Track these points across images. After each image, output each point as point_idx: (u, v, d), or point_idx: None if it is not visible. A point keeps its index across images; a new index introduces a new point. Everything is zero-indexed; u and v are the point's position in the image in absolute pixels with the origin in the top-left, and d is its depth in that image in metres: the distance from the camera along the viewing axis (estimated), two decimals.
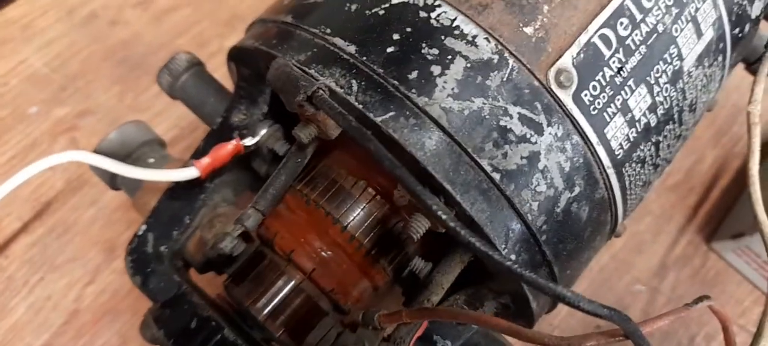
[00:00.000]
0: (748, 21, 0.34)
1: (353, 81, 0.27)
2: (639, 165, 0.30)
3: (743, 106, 0.55)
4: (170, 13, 0.57)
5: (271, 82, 0.28)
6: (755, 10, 0.34)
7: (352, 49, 0.28)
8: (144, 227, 0.33)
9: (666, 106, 0.30)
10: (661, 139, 0.31)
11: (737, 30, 0.33)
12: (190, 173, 0.31)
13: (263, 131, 0.32)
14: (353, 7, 0.29)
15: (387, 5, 0.28)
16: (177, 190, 0.33)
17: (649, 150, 0.30)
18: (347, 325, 0.32)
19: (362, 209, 0.31)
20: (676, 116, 0.31)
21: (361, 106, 0.26)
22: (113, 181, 0.35)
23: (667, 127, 0.31)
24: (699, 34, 0.31)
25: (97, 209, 0.48)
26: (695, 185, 0.52)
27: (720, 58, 0.33)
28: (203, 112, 0.36)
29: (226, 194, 0.34)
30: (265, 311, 0.31)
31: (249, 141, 0.32)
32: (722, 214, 0.51)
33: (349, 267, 0.32)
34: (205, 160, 0.31)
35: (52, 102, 0.52)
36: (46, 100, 0.52)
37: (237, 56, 0.33)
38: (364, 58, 0.27)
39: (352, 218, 0.31)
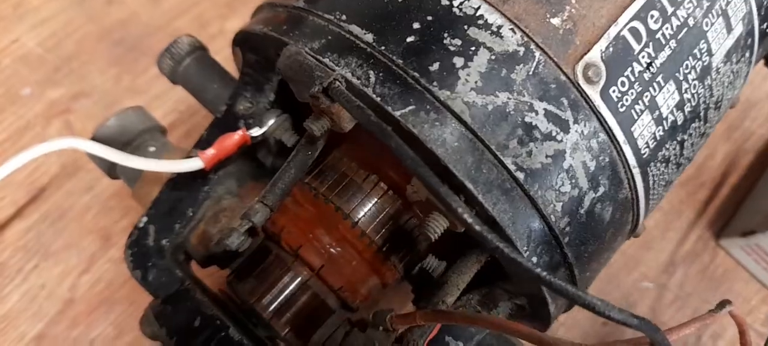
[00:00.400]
0: None
1: (371, 72, 0.25)
2: (663, 164, 0.29)
3: (756, 100, 0.55)
4: None
5: (282, 71, 0.27)
6: None
7: (369, 37, 0.26)
8: (145, 219, 0.31)
9: (693, 104, 0.29)
10: (686, 137, 0.30)
11: (766, 25, 0.32)
12: (194, 164, 0.30)
13: (271, 121, 0.31)
14: None
15: None
16: (179, 181, 0.32)
17: (674, 149, 0.29)
18: (355, 323, 0.31)
19: (374, 204, 0.30)
20: (702, 114, 0.30)
21: (379, 99, 0.25)
22: (112, 170, 0.34)
23: (693, 125, 0.30)
24: (729, 28, 0.29)
25: (92, 195, 0.46)
26: (705, 180, 0.52)
27: (747, 54, 0.31)
28: (206, 98, 0.35)
29: (229, 185, 0.33)
30: (271, 309, 0.30)
31: (256, 131, 0.31)
32: (732, 210, 0.50)
33: (359, 264, 0.30)
34: (211, 152, 0.30)
35: (46, 83, 0.50)
36: (40, 81, 0.50)
37: (243, 42, 0.31)
38: (383, 47, 0.26)
39: (362, 213, 0.30)
